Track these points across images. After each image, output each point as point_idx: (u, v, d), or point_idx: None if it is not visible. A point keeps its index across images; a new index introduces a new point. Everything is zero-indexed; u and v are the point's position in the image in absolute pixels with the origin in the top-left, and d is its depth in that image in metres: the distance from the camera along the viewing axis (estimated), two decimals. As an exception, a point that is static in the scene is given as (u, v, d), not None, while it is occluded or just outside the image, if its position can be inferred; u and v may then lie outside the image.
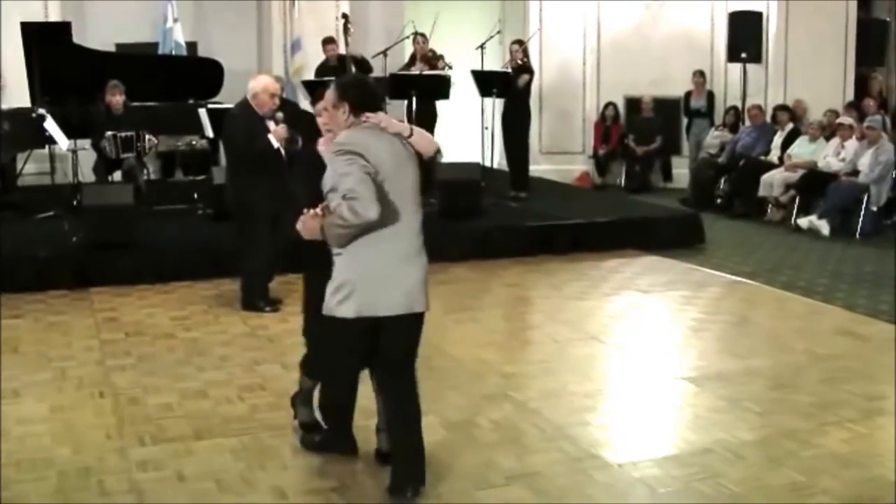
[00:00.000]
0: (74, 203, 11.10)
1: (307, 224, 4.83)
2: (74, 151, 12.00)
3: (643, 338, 8.29)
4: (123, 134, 11.73)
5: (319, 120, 5.30)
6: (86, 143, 12.12)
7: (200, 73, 13.64)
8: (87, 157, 12.13)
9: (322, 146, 5.23)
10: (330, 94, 5.01)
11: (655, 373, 7.24)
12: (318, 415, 5.68)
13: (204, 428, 6.01)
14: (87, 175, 12.05)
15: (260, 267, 8.80)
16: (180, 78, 13.40)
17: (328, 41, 14.39)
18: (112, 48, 14.36)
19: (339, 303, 4.84)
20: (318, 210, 4.80)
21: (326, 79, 13.65)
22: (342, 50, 14.09)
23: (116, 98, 11.78)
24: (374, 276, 4.82)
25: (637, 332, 8.48)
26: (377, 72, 13.52)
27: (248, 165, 8.55)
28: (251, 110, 8.53)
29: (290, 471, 5.39)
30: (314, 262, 5.22)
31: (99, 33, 14.39)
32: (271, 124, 8.59)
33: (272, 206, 8.54)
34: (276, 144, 8.53)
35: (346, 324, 4.84)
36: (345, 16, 14.13)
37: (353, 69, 13.66)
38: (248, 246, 8.73)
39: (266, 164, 8.51)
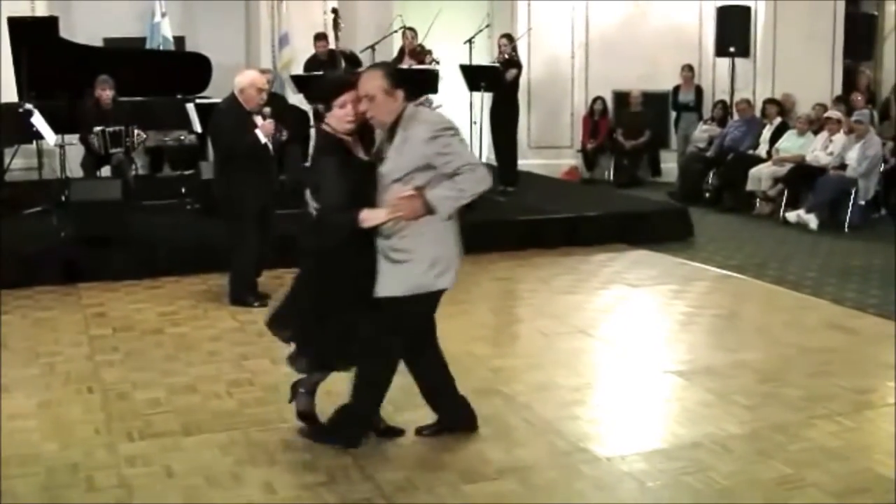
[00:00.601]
0: (62, 198, 11.07)
1: (412, 204, 5.03)
2: (62, 146, 11.96)
3: (632, 332, 8.30)
4: (111, 129, 11.71)
5: (344, 112, 5.17)
6: (73, 138, 12.08)
7: (188, 68, 13.61)
8: (75, 153, 12.10)
9: (334, 125, 5.19)
10: (378, 82, 5.10)
11: (644, 366, 7.24)
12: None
13: (192, 423, 5.99)
14: (74, 170, 12.01)
15: (248, 262, 8.79)
16: (168, 73, 13.37)
17: (319, 37, 14.37)
18: (100, 43, 14.33)
19: (438, 276, 5.24)
20: (411, 189, 5.03)
21: (315, 73, 13.68)
22: (332, 45, 14.07)
23: (105, 93, 11.75)
24: (455, 248, 5.31)
25: (626, 326, 8.49)
26: (366, 66, 13.50)
27: (236, 160, 8.54)
28: (238, 105, 8.51)
29: (278, 466, 5.38)
30: (335, 267, 5.28)
31: (86, 28, 14.34)
32: (258, 119, 8.57)
33: (259, 201, 8.55)
34: (263, 139, 8.52)
35: (437, 296, 5.32)
36: (335, 11, 14.11)
37: (343, 64, 13.67)
38: (235, 241, 8.72)
39: (253, 159, 8.50)
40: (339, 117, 5.16)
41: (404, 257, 5.20)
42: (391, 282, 5.23)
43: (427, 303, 5.36)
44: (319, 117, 5.19)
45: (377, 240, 5.23)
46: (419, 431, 5.76)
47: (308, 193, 5.32)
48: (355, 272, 5.26)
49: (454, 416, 5.79)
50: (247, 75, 8.67)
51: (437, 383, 5.73)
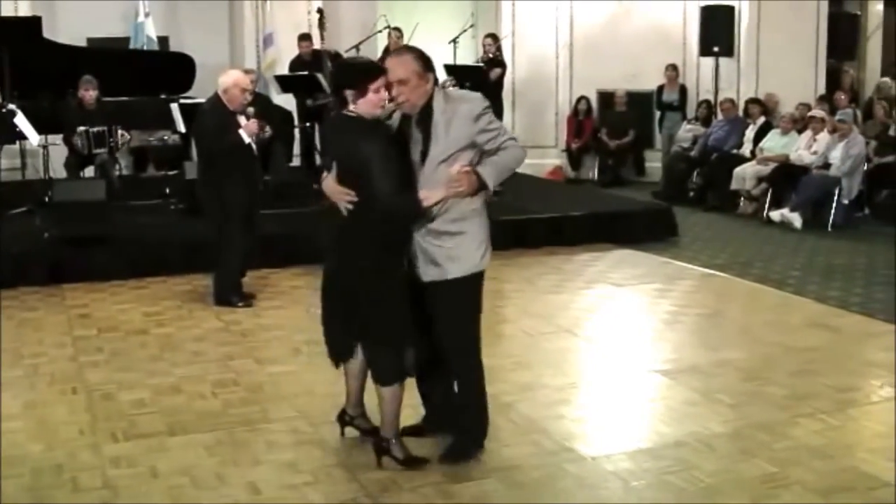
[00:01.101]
0: (46, 199, 11.04)
1: (469, 179, 5.03)
2: (45, 147, 11.93)
3: (616, 331, 8.32)
4: (95, 129, 11.69)
5: (379, 97, 5.07)
6: (57, 138, 12.06)
7: (172, 68, 13.61)
8: (59, 153, 12.08)
9: (366, 109, 5.06)
10: (412, 65, 5.08)
11: (629, 366, 7.26)
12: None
13: (177, 424, 5.98)
14: (58, 171, 11.99)
15: (234, 263, 8.78)
16: (152, 73, 13.36)
17: (304, 37, 14.36)
18: (83, 43, 14.30)
19: (483, 256, 5.29)
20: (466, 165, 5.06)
21: (300, 73, 13.68)
22: (317, 45, 14.07)
23: (89, 93, 11.73)
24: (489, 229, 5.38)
25: (610, 325, 8.51)
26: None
27: (219, 161, 8.53)
28: (222, 105, 8.51)
29: (263, 466, 5.38)
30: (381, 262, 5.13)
31: (70, 28, 14.33)
32: (242, 119, 8.56)
33: (245, 202, 8.54)
34: (246, 139, 8.51)
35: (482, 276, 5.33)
36: (320, 11, 14.11)
37: (328, 64, 13.66)
38: (220, 241, 8.71)
39: (236, 159, 8.49)
40: (374, 102, 5.05)
41: (456, 240, 5.18)
42: (449, 265, 5.19)
43: (480, 283, 5.37)
44: (344, 103, 5.05)
45: (419, 226, 5.18)
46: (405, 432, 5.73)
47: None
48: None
49: (444, 417, 5.76)
50: (231, 75, 8.67)
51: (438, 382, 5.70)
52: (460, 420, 5.49)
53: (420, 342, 5.24)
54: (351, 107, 5.05)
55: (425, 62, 5.17)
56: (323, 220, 5.32)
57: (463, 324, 5.33)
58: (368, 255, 5.06)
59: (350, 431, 5.66)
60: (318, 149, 13.93)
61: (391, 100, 5.11)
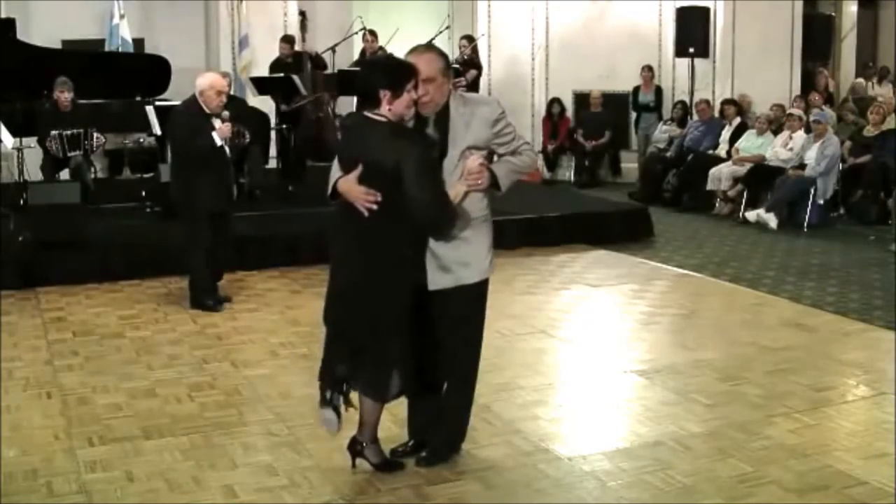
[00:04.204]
0: (20, 202, 10.99)
1: (484, 174, 5.08)
2: (20, 150, 11.88)
3: (592, 331, 8.33)
4: (69, 132, 11.62)
5: (411, 97, 4.94)
6: (31, 141, 12.00)
7: (147, 70, 13.56)
8: (34, 156, 12.01)
9: (402, 111, 4.95)
10: (439, 64, 5.05)
11: (605, 366, 7.27)
12: None
13: (153, 427, 5.96)
14: (33, 173, 11.93)
15: (200, 264, 8.77)
16: (127, 75, 13.31)
17: (286, 39, 14.34)
18: (58, 45, 14.22)
19: (490, 262, 5.33)
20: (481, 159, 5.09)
21: (276, 75, 13.67)
22: (298, 47, 14.06)
23: (64, 95, 11.67)
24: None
25: (586, 325, 8.52)
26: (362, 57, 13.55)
27: (192, 162, 8.53)
28: (197, 107, 8.51)
29: (240, 469, 5.36)
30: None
31: (44, 30, 14.25)
32: (217, 122, 8.54)
33: (215, 204, 8.52)
34: (218, 142, 8.49)
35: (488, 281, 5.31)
36: (302, 13, 14.09)
37: (309, 66, 13.67)
38: (191, 244, 8.70)
39: (209, 161, 8.48)
40: (407, 102, 4.92)
41: (467, 246, 5.19)
42: (462, 271, 5.18)
43: (487, 289, 5.36)
44: (376, 103, 4.89)
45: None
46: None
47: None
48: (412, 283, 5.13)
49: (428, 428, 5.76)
50: (207, 77, 8.66)
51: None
52: (443, 423, 5.46)
53: (413, 363, 5.15)
54: (384, 107, 4.89)
55: (447, 61, 5.17)
56: (334, 221, 5.22)
57: (471, 330, 5.33)
58: (385, 260, 5.00)
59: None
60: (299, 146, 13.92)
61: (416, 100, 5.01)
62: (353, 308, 5.08)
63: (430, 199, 4.87)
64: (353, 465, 5.29)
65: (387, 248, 4.98)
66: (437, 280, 5.14)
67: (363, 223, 4.93)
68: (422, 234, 5.07)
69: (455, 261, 5.15)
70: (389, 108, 4.89)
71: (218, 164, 8.55)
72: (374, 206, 4.87)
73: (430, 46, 5.42)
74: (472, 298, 5.25)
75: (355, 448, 5.27)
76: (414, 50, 5.18)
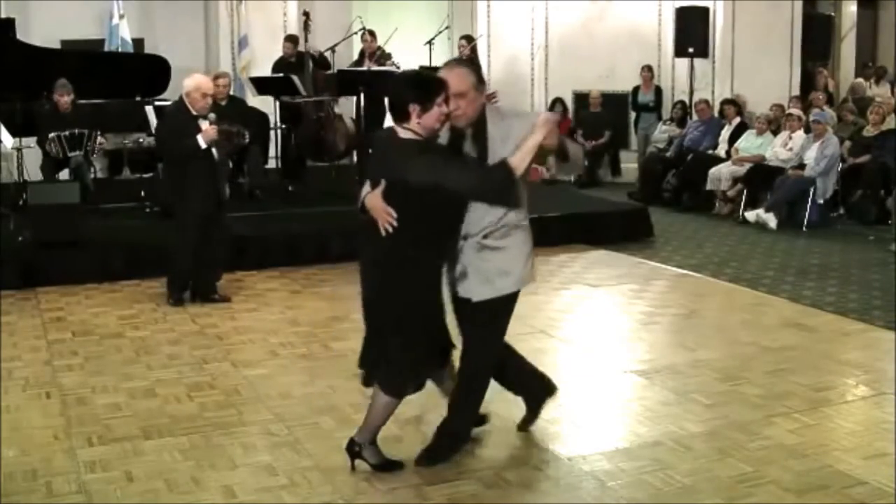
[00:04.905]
0: (20, 202, 10.99)
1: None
2: (19, 150, 11.87)
3: (592, 332, 8.33)
4: (67, 132, 11.60)
5: (441, 111, 4.97)
6: (31, 141, 11.99)
7: (147, 71, 13.54)
8: (33, 156, 12.01)
9: (431, 124, 4.99)
10: (471, 79, 5.07)
11: (604, 366, 7.27)
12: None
13: (153, 427, 5.96)
14: (33, 173, 11.92)
15: (182, 263, 8.87)
16: (127, 75, 13.28)
17: (289, 39, 14.33)
18: (57, 45, 14.20)
19: (531, 268, 5.41)
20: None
21: (276, 75, 13.66)
22: (301, 47, 14.05)
23: (63, 99, 11.65)
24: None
25: (586, 325, 8.52)
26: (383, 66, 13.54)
27: (178, 164, 8.66)
28: (185, 109, 8.56)
29: (239, 469, 5.36)
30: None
31: (43, 30, 14.22)
32: (204, 123, 8.54)
33: (202, 206, 8.55)
34: (203, 144, 8.49)
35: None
36: (305, 13, 14.09)
37: (311, 66, 13.66)
38: (179, 243, 8.82)
39: (194, 163, 8.52)
40: (437, 116, 4.95)
41: (507, 255, 5.25)
42: (501, 280, 5.25)
43: (516, 295, 5.39)
44: (406, 117, 4.92)
45: (469, 241, 5.21)
46: (521, 428, 5.86)
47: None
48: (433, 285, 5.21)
49: (538, 393, 5.91)
50: (194, 79, 8.71)
51: (512, 369, 5.81)
52: (447, 422, 5.48)
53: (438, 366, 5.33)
54: (413, 121, 4.94)
55: (479, 75, 5.18)
56: (362, 234, 5.25)
57: (490, 332, 5.42)
58: (407, 276, 5.06)
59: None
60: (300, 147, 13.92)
61: (448, 114, 5.05)
62: (376, 310, 5.19)
63: (472, 175, 4.98)
64: (353, 467, 5.29)
65: (405, 266, 5.04)
66: (476, 290, 5.25)
67: (386, 241, 5.01)
68: (445, 245, 5.17)
69: (494, 270, 5.22)
70: (419, 122, 4.94)
71: (204, 166, 8.56)
72: (391, 227, 4.94)
73: (461, 61, 5.55)
74: (506, 306, 5.35)
75: (353, 449, 5.28)
76: (446, 65, 5.25)
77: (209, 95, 8.62)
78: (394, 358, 5.14)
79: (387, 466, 5.30)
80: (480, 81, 5.16)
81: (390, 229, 4.94)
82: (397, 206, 4.92)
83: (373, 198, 5.04)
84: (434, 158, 4.95)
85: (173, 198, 8.81)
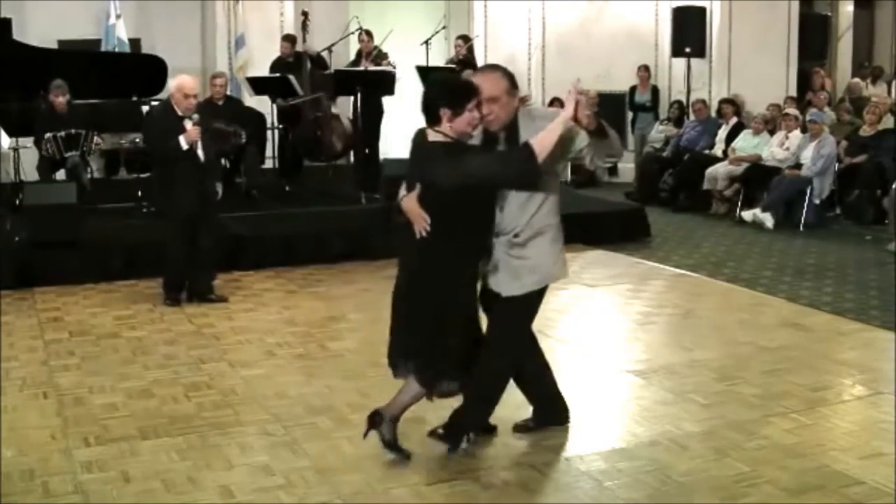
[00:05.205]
0: (17, 202, 10.98)
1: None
2: (16, 150, 11.86)
3: (589, 331, 8.34)
4: (63, 133, 11.59)
5: (472, 116, 5.07)
6: (28, 141, 11.99)
7: (144, 70, 13.52)
8: (30, 156, 12.00)
9: (462, 129, 5.08)
10: (503, 83, 5.17)
11: (601, 366, 7.27)
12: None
13: (149, 427, 5.96)
14: (29, 174, 11.91)
15: (176, 263, 8.91)
16: (123, 75, 13.26)
17: (287, 38, 14.32)
18: (54, 45, 14.17)
19: (563, 265, 5.50)
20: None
21: (273, 75, 13.65)
22: (300, 47, 14.04)
23: (59, 99, 11.64)
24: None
25: (583, 325, 8.53)
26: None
27: (163, 164, 8.77)
28: (171, 109, 8.60)
29: (236, 469, 5.36)
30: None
31: (40, 30, 14.20)
32: (188, 123, 8.54)
33: (186, 207, 8.58)
34: (185, 145, 8.50)
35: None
36: (304, 13, 14.08)
37: (309, 66, 13.65)
38: (169, 243, 8.89)
39: (178, 163, 8.55)
40: (469, 120, 5.05)
41: (534, 252, 5.31)
42: (529, 277, 5.33)
43: (543, 294, 5.48)
44: (437, 120, 5.01)
45: (500, 239, 5.28)
46: (517, 429, 5.86)
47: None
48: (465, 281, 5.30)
49: (548, 413, 5.91)
50: (177, 80, 8.81)
51: (536, 377, 5.86)
52: (461, 410, 5.53)
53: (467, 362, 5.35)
54: (445, 124, 5.04)
55: (512, 79, 5.25)
56: (401, 236, 5.32)
57: (522, 329, 5.55)
58: (442, 276, 5.15)
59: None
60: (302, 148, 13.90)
61: (481, 118, 5.12)
62: (409, 306, 5.27)
63: (494, 162, 5.09)
64: (365, 435, 5.39)
65: (440, 259, 5.13)
66: (508, 287, 5.34)
67: (421, 243, 5.13)
68: (479, 244, 5.25)
69: (524, 268, 5.31)
70: (450, 126, 5.04)
71: (189, 166, 8.58)
72: (425, 230, 5.07)
73: (495, 66, 5.54)
74: (529, 298, 5.40)
75: (374, 419, 5.37)
76: (479, 70, 5.31)
77: (191, 96, 8.62)
78: (428, 352, 5.23)
79: (395, 447, 5.39)
80: (513, 86, 5.23)
81: (424, 234, 5.07)
82: (431, 208, 5.05)
83: (409, 201, 5.16)
84: (458, 156, 5.01)
85: (160, 198, 8.87)
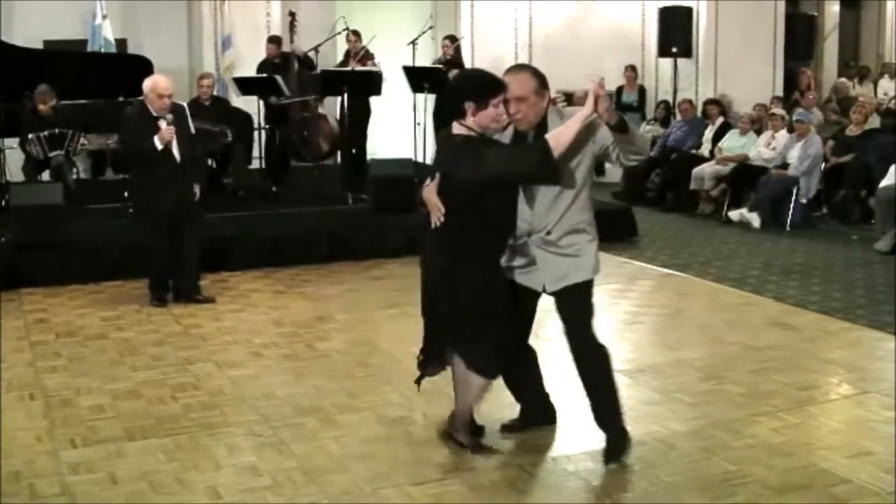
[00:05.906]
0: (2, 203, 10.94)
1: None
2: (1, 151, 11.83)
3: (577, 331, 8.33)
4: (47, 132, 11.56)
5: (498, 112, 5.07)
6: (13, 141, 11.95)
7: (130, 71, 13.47)
8: (15, 157, 11.96)
9: (485, 123, 5.09)
10: (531, 83, 5.15)
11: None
12: None
13: (136, 428, 5.95)
14: (15, 175, 11.88)
15: (158, 263, 8.94)
16: (110, 75, 13.23)
17: (272, 40, 14.30)
18: (40, 45, 14.14)
19: (598, 260, 5.61)
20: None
21: (259, 76, 13.63)
22: (287, 47, 14.03)
23: (42, 106, 11.58)
24: None
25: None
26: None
27: (139, 164, 8.80)
28: (146, 109, 8.60)
29: (224, 470, 5.35)
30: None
31: (26, 30, 14.18)
32: (162, 124, 8.53)
33: (160, 207, 8.59)
34: (159, 146, 8.49)
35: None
36: (291, 13, 14.07)
37: (297, 66, 13.64)
38: (151, 243, 8.91)
39: (153, 164, 8.55)
40: (493, 116, 5.05)
41: (579, 245, 5.44)
42: (576, 269, 5.42)
43: (592, 284, 5.54)
44: (462, 114, 5.01)
45: (532, 238, 5.30)
46: (504, 429, 5.86)
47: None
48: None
49: (535, 415, 5.94)
50: (151, 80, 8.83)
51: (527, 377, 5.90)
52: (599, 418, 5.59)
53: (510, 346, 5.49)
54: (469, 119, 5.05)
55: (541, 80, 5.22)
56: (422, 227, 5.35)
57: (587, 314, 5.59)
58: (464, 267, 5.17)
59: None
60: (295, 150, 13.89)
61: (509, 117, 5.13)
62: (438, 301, 5.30)
63: (511, 157, 5.07)
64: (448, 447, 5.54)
65: (460, 251, 5.16)
66: (552, 284, 5.42)
67: (442, 230, 5.15)
68: (500, 236, 5.27)
69: (567, 265, 5.39)
70: (474, 119, 5.05)
71: (162, 167, 8.57)
72: (440, 221, 5.10)
73: (524, 66, 5.55)
74: (580, 287, 5.48)
75: (448, 436, 5.55)
76: (509, 70, 5.29)
77: (165, 96, 8.61)
78: (476, 340, 5.29)
79: (481, 449, 5.53)
80: (543, 86, 5.21)
81: (439, 224, 5.10)
82: (449, 199, 5.07)
83: (427, 191, 5.21)
84: (478, 150, 5.01)
85: (137, 199, 8.98)
